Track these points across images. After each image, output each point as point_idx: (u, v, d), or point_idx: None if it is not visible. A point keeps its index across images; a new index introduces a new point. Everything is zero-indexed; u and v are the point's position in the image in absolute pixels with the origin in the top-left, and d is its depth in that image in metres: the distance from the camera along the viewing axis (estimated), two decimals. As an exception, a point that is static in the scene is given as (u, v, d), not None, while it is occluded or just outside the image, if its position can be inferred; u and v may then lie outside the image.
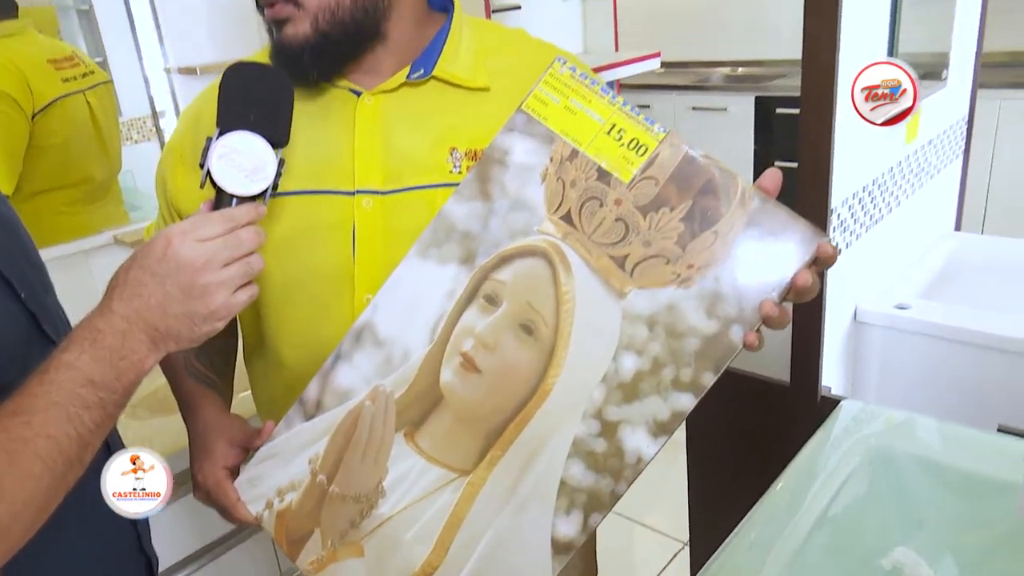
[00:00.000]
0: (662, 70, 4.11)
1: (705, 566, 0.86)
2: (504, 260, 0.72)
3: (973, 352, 1.29)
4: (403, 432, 0.74)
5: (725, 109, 3.57)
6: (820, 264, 0.62)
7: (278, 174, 0.73)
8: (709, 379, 0.65)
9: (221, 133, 0.71)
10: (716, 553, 0.87)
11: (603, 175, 0.68)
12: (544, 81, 0.71)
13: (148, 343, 0.65)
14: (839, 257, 1.25)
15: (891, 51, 1.30)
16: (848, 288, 1.36)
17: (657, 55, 2.52)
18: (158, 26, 1.90)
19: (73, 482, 0.61)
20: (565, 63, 0.71)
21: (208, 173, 0.71)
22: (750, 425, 1.36)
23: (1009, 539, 0.89)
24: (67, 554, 0.72)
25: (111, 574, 0.80)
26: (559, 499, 0.68)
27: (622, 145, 0.68)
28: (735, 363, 1.46)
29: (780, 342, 1.28)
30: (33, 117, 1.68)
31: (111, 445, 0.81)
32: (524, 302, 0.70)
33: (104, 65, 1.90)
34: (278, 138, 0.74)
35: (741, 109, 3.48)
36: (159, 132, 1.98)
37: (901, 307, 1.38)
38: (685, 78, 3.92)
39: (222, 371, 0.96)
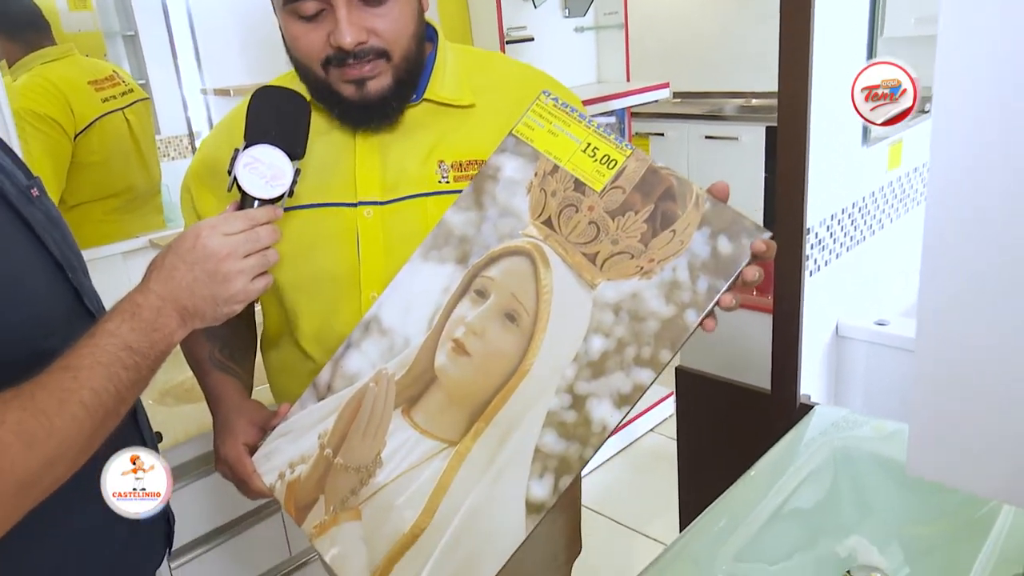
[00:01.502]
0: (677, 100, 4.23)
1: (667, 547, 0.94)
2: (493, 259, 0.83)
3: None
4: (401, 409, 0.84)
5: (737, 138, 3.67)
6: (761, 257, 0.72)
7: (294, 181, 0.85)
8: (666, 356, 0.74)
9: (247, 145, 0.83)
10: (680, 534, 0.95)
11: (579, 186, 0.80)
12: (532, 110, 0.84)
13: (178, 319, 0.76)
14: (818, 274, 1.35)
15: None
16: (829, 304, 1.44)
17: (666, 85, 2.63)
18: (197, 51, 2.04)
19: (110, 430, 0.71)
20: (549, 95, 0.84)
21: (235, 179, 0.83)
22: (735, 430, 1.44)
23: (953, 533, 0.97)
24: (92, 506, 0.79)
25: (133, 526, 0.88)
26: (533, 464, 0.78)
27: (595, 160, 0.80)
28: (722, 372, 1.54)
29: (764, 350, 1.37)
30: (75, 137, 1.80)
31: (140, 423, 0.90)
32: (509, 294, 0.81)
33: (146, 87, 2.03)
34: (295, 151, 0.86)
35: (752, 138, 3.58)
36: (194, 150, 2.12)
37: (880, 323, 1.46)
38: (699, 107, 4.03)
39: (242, 363, 1.07)
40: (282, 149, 0.84)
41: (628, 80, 2.67)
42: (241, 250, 0.78)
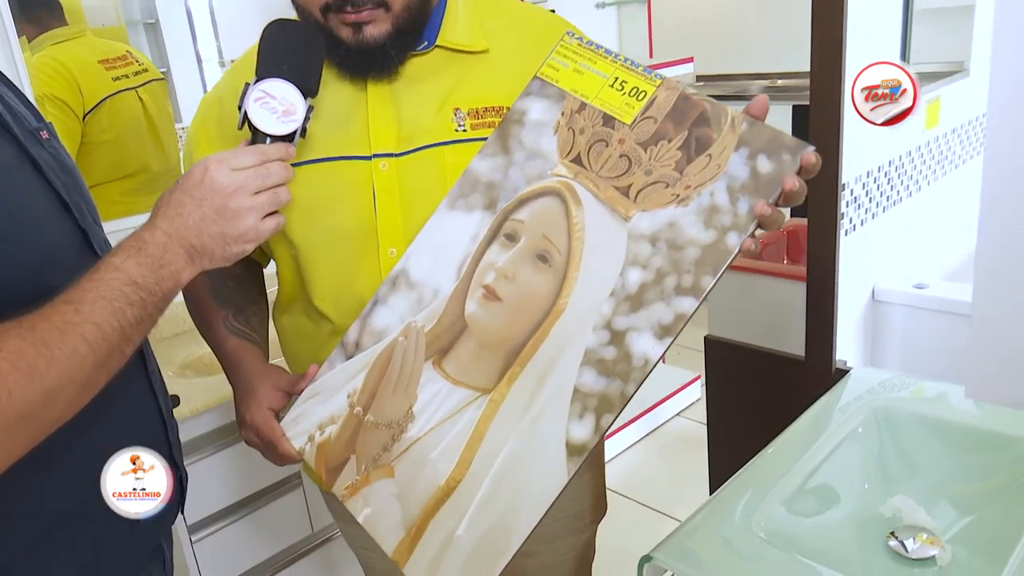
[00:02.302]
0: (700, 83, 4.17)
1: (701, 506, 0.91)
2: (522, 202, 0.80)
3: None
4: (431, 360, 0.82)
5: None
6: (805, 172, 0.69)
7: (307, 118, 0.82)
8: (708, 282, 0.71)
9: (258, 79, 0.80)
10: (714, 493, 0.92)
11: (608, 120, 0.77)
12: (556, 52, 0.81)
13: (185, 257, 0.73)
14: (853, 234, 1.30)
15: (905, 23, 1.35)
16: (865, 267, 1.40)
17: (690, 60, 2.58)
18: (215, 26, 2.02)
19: (114, 370, 0.68)
20: (573, 35, 0.82)
21: (245, 114, 0.80)
22: (767, 400, 1.40)
23: (1005, 491, 0.92)
24: (94, 460, 0.76)
25: None
26: (572, 404, 0.74)
27: (624, 94, 0.77)
28: (753, 340, 1.50)
29: (797, 320, 1.33)
30: (84, 117, 1.78)
31: (153, 383, 0.87)
32: (540, 235, 0.78)
33: (167, 75, 2.02)
34: (308, 87, 0.83)
35: (779, 118, 3.47)
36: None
37: (920, 287, 1.41)
38: (724, 89, 3.96)
39: (258, 329, 1.04)
40: (295, 84, 0.81)
41: (651, 57, 2.63)
42: (251, 186, 0.75)
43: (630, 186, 0.75)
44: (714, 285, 0.70)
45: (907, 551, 0.86)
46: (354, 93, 0.92)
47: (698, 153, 0.72)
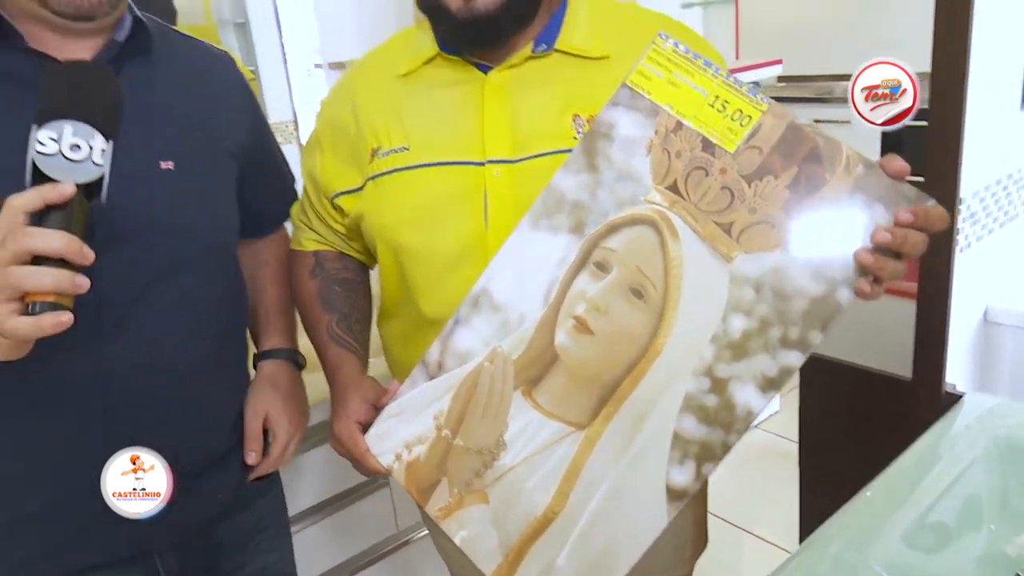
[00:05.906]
0: (783, 84, 4.01)
1: (814, 533, 0.86)
2: (613, 228, 0.76)
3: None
4: (521, 390, 0.80)
5: (849, 122, 3.43)
6: (927, 226, 0.64)
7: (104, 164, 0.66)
8: (816, 337, 0.67)
9: (40, 124, 0.64)
10: (827, 522, 0.87)
11: (708, 146, 0.72)
12: (647, 56, 0.75)
13: None
14: (968, 251, 1.22)
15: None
16: (978, 286, 1.31)
17: (779, 62, 2.48)
18: (313, 26, 2.04)
19: None
20: (668, 38, 0.75)
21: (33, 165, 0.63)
22: (867, 423, 1.33)
23: None
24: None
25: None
26: (672, 450, 0.72)
27: (726, 116, 0.72)
28: (852, 357, 1.42)
29: (902, 338, 1.25)
30: None
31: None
32: (634, 267, 0.75)
33: (256, 73, 2.06)
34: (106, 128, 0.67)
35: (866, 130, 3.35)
36: (298, 136, 2.15)
37: (1037, 308, 1.31)
38: (808, 91, 3.80)
39: (360, 336, 1.03)
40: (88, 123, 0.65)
41: (737, 58, 2.54)
42: None
43: (732, 223, 0.71)
44: (821, 340, 0.66)
45: (1036, 595, 0.80)
46: (468, 93, 0.88)
47: (808, 195, 0.68)
